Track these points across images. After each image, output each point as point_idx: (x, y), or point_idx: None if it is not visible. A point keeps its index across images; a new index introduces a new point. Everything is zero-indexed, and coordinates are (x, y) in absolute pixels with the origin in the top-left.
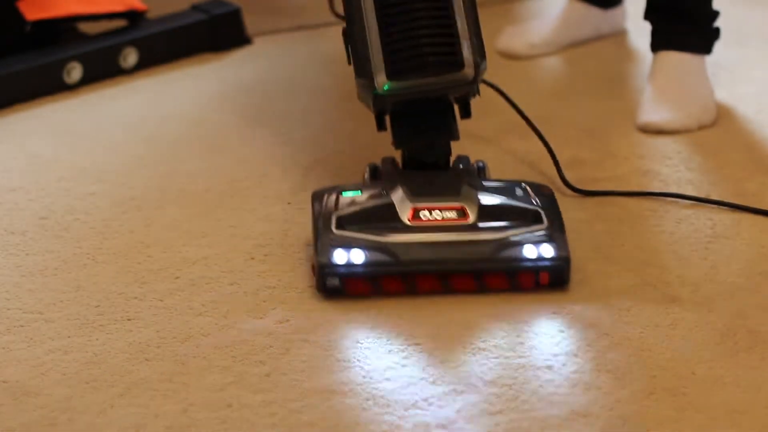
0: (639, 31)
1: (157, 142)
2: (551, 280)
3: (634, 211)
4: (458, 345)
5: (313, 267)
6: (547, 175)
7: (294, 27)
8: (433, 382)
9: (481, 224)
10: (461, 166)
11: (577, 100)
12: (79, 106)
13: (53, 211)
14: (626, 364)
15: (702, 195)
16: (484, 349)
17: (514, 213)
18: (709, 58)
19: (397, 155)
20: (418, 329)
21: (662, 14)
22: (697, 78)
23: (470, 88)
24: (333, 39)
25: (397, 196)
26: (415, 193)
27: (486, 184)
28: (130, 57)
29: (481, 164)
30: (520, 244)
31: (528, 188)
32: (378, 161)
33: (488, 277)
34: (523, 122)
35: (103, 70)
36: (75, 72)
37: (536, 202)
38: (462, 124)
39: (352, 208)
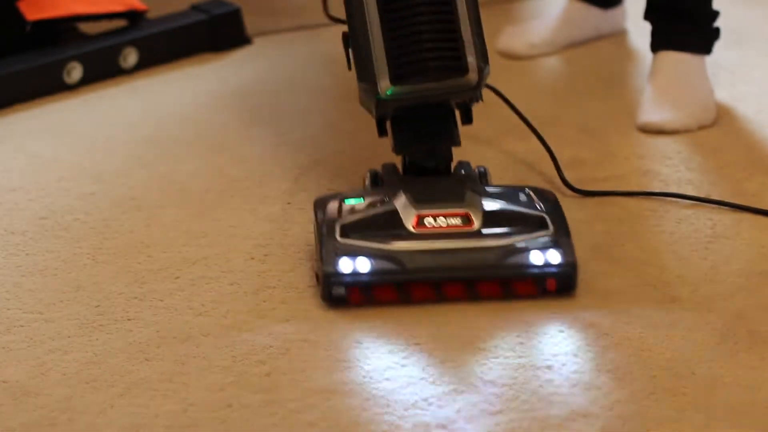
0: (639, 31)
1: (157, 142)
2: (558, 287)
3: (634, 211)
4: (458, 345)
5: (317, 276)
6: (546, 175)
7: (294, 27)
8: (433, 382)
9: (486, 231)
10: (463, 172)
11: (577, 100)
12: (79, 106)
13: (53, 211)
14: (626, 364)
15: (702, 195)
16: (483, 349)
17: (519, 219)
18: (709, 58)
19: (398, 161)
20: (418, 329)
21: (662, 14)
22: (697, 78)
23: (474, 93)
24: (333, 39)
25: (401, 203)
26: (419, 200)
27: (489, 189)
28: (130, 57)
29: (482, 169)
30: (526, 250)
31: (532, 193)
32: (378, 163)
33: (495, 284)
34: (523, 123)
35: (103, 70)
36: (75, 72)
37: (540, 207)
38: (461, 126)
39: (356, 216)
